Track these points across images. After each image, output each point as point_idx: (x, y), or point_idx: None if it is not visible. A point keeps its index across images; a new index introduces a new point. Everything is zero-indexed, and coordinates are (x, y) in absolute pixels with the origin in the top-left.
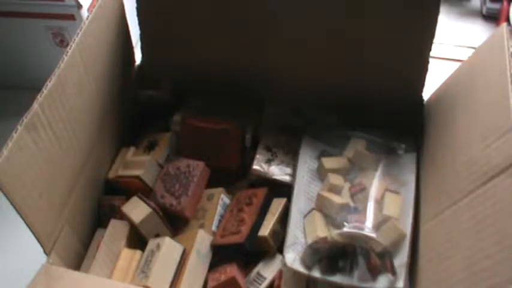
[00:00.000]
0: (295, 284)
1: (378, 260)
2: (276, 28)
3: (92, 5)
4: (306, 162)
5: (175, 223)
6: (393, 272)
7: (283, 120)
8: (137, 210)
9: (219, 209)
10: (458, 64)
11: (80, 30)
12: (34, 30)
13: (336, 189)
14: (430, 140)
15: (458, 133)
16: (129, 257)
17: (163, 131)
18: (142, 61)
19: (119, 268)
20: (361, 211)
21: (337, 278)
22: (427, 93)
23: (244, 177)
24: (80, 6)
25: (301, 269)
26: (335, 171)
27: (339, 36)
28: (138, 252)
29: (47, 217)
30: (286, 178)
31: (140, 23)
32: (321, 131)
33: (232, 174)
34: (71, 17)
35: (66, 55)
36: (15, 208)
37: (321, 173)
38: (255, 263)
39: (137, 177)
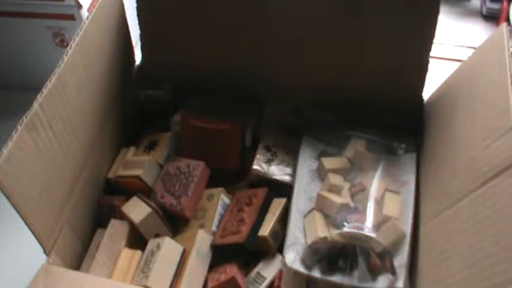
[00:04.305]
0: (295, 284)
1: (378, 260)
2: (276, 28)
3: (92, 5)
4: (306, 162)
5: (175, 223)
6: (393, 272)
7: (283, 120)
8: (137, 210)
9: (219, 209)
10: (458, 64)
11: (80, 30)
12: (34, 30)
13: (336, 189)
14: (430, 140)
15: (458, 133)
16: (129, 257)
17: (163, 131)
18: (142, 61)
19: (119, 268)
20: (361, 211)
21: (337, 278)
22: (427, 93)
23: (244, 177)
24: (80, 6)
25: (301, 269)
26: (335, 171)
27: (339, 36)
28: (138, 252)
29: (47, 217)
30: (286, 178)
31: (140, 23)
32: (321, 131)
33: (232, 174)
34: (71, 17)
35: (66, 55)
36: (15, 208)
37: (321, 173)
38: (255, 263)
39: (137, 177)
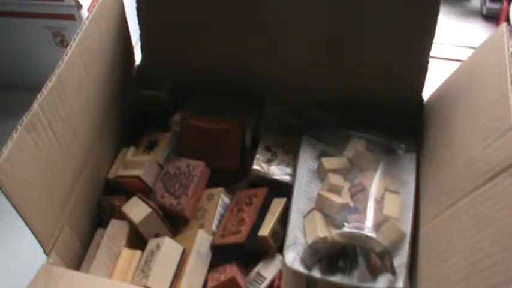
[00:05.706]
0: (295, 284)
1: (378, 260)
2: (276, 28)
3: (92, 5)
4: (306, 162)
5: (175, 223)
6: (393, 272)
7: (283, 120)
8: (137, 210)
9: (219, 209)
10: (458, 64)
11: (80, 30)
12: (34, 30)
13: (336, 189)
14: (430, 140)
15: (458, 133)
16: (129, 257)
17: (163, 131)
18: (142, 61)
19: (118, 268)
20: (361, 211)
21: (337, 278)
22: (427, 93)
23: (244, 177)
24: (80, 6)
25: (301, 269)
26: (335, 171)
27: (339, 36)
28: (138, 252)
29: (47, 217)
30: (286, 178)
31: (140, 23)
32: (321, 131)
33: (232, 174)
34: (71, 17)
35: (66, 55)
36: (15, 208)
37: (321, 173)
38: (255, 263)
39: (137, 177)
